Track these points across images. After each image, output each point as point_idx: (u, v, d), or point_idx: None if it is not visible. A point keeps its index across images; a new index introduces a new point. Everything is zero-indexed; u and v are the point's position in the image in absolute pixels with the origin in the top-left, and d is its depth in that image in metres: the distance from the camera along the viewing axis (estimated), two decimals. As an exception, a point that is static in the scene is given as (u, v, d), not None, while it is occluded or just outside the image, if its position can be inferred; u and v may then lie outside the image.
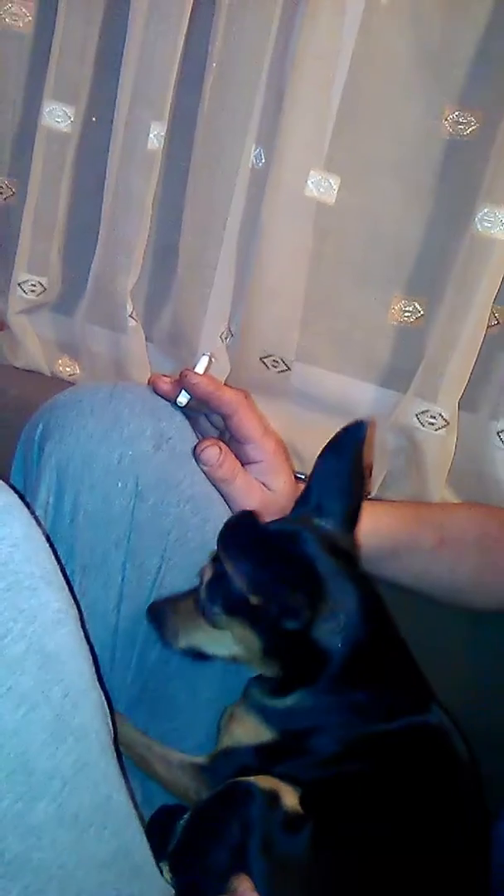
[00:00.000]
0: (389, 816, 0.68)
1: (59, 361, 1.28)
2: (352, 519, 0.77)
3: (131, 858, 0.59)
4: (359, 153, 1.10)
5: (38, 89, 1.15)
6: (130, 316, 1.20)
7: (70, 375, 1.27)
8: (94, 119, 1.16)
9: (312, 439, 1.15)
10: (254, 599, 0.68)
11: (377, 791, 0.70)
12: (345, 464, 0.77)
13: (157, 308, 1.24)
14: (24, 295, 1.23)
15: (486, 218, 1.01)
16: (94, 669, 0.60)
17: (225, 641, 0.74)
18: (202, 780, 0.74)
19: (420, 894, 0.64)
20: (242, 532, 0.70)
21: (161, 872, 0.65)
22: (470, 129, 1.05)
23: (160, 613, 0.77)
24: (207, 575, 0.74)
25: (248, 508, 0.79)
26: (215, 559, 0.74)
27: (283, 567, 0.70)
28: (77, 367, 1.27)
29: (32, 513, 0.60)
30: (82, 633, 0.59)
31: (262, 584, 0.68)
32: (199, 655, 0.76)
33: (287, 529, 0.76)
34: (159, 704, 0.80)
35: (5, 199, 1.24)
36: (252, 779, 0.67)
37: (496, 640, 1.01)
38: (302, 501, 0.79)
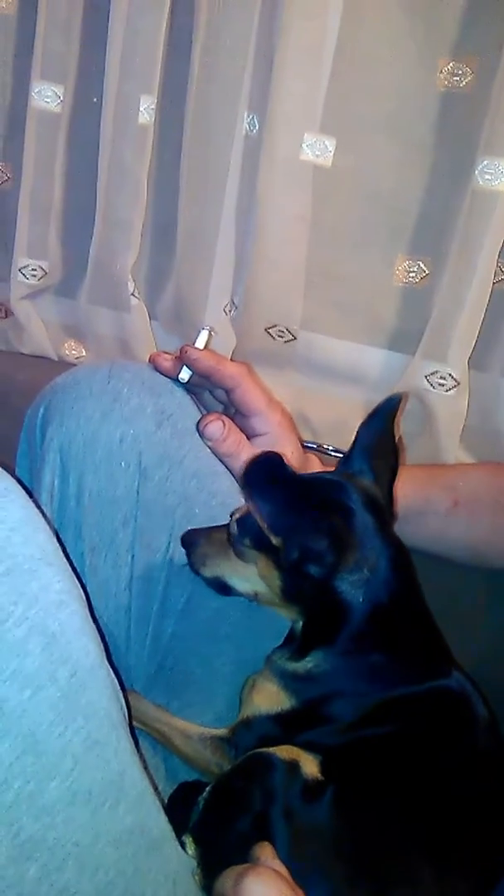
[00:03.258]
0: (410, 781, 0.67)
1: (65, 345, 1.28)
2: (388, 481, 0.77)
3: (148, 833, 0.59)
4: (353, 113, 1.08)
5: (26, 70, 1.14)
6: (133, 294, 1.19)
7: (77, 358, 1.27)
8: (94, 100, 1.15)
9: (322, 408, 1.15)
10: (275, 541, 0.68)
11: (397, 756, 0.69)
12: (381, 430, 0.77)
13: (159, 285, 1.23)
14: (25, 280, 1.23)
15: (486, 170, 0.98)
16: (101, 648, 0.60)
17: (249, 576, 0.74)
18: (223, 752, 0.74)
19: (440, 858, 0.64)
20: (269, 470, 0.69)
21: (184, 846, 0.65)
22: (465, 81, 1.03)
23: (193, 541, 0.78)
24: (242, 510, 0.74)
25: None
26: None
27: (311, 510, 0.69)
28: (83, 350, 1.27)
29: (31, 496, 0.60)
30: (87, 613, 0.59)
31: (284, 526, 0.68)
32: (223, 588, 0.76)
33: (327, 478, 0.75)
34: (176, 680, 0.80)
35: (0, 184, 1.23)
36: (272, 749, 0.67)
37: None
38: (343, 465, 0.78)
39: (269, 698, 0.73)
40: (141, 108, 1.09)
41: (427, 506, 0.91)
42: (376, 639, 0.71)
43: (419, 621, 0.75)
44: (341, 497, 0.72)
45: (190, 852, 0.66)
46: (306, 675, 0.72)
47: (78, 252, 1.22)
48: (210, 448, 0.82)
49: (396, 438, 0.78)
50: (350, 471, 0.76)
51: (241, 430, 0.83)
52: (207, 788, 0.71)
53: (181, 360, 0.83)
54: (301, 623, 0.74)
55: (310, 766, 0.66)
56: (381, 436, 0.77)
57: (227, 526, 0.76)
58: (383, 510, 0.74)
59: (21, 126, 1.16)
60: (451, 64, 1.03)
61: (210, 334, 0.84)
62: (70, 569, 0.60)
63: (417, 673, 0.73)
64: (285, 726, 0.72)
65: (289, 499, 0.69)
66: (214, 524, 0.79)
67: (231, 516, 0.75)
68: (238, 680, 0.78)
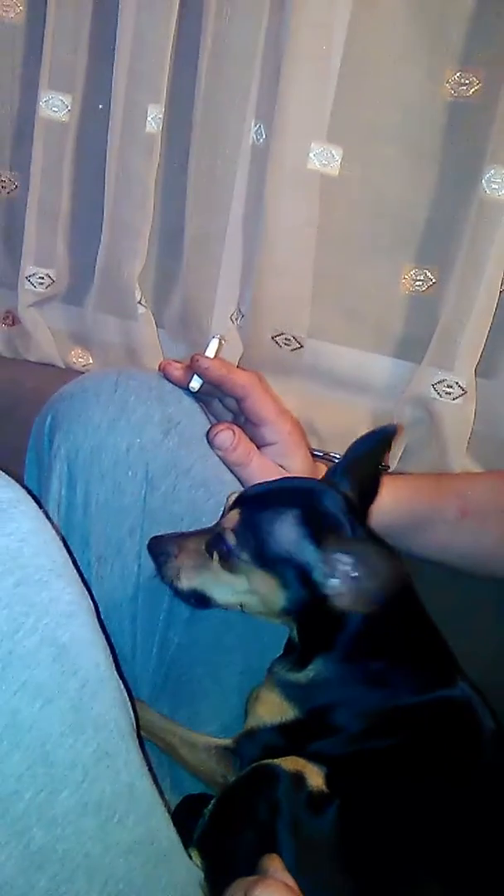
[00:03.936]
0: (415, 795, 0.67)
1: (72, 352, 1.28)
2: (361, 501, 0.77)
3: (158, 844, 0.59)
4: (360, 122, 1.08)
5: (34, 80, 1.14)
6: (139, 303, 1.19)
7: (84, 366, 1.27)
8: (100, 107, 1.15)
9: (328, 416, 1.15)
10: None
11: (402, 769, 0.69)
12: (368, 453, 0.78)
13: (165, 293, 1.24)
14: (32, 288, 1.23)
15: (493, 179, 0.99)
16: (111, 659, 0.60)
17: (236, 587, 0.72)
18: (228, 762, 0.74)
19: (446, 872, 0.64)
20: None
21: (190, 858, 0.65)
22: (472, 90, 1.03)
23: (163, 550, 0.74)
24: (233, 520, 0.72)
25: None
26: (241, 503, 0.73)
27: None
28: (90, 357, 1.27)
29: (41, 506, 0.60)
30: (97, 624, 0.59)
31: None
32: (201, 601, 0.74)
33: (316, 487, 0.76)
34: (183, 690, 0.80)
35: (8, 193, 1.24)
36: (277, 761, 0.67)
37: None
38: (329, 478, 0.79)
39: (273, 709, 0.73)
40: (148, 117, 1.09)
41: (434, 514, 0.91)
42: (375, 644, 0.72)
43: (418, 627, 0.75)
44: (326, 504, 0.72)
45: (196, 863, 0.66)
46: (308, 685, 0.72)
47: (85, 260, 1.22)
48: (220, 457, 0.82)
49: (383, 465, 0.80)
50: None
51: (251, 440, 0.83)
52: (212, 801, 0.71)
53: (192, 368, 0.82)
54: (296, 631, 0.75)
55: (315, 777, 0.66)
56: (366, 457, 0.78)
57: (202, 532, 0.74)
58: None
59: (29, 135, 1.16)
60: (457, 73, 1.04)
61: (220, 343, 0.84)
62: (79, 579, 0.60)
63: (421, 682, 0.73)
64: (290, 737, 0.72)
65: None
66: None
67: (215, 525, 0.74)
68: (244, 689, 0.78)
